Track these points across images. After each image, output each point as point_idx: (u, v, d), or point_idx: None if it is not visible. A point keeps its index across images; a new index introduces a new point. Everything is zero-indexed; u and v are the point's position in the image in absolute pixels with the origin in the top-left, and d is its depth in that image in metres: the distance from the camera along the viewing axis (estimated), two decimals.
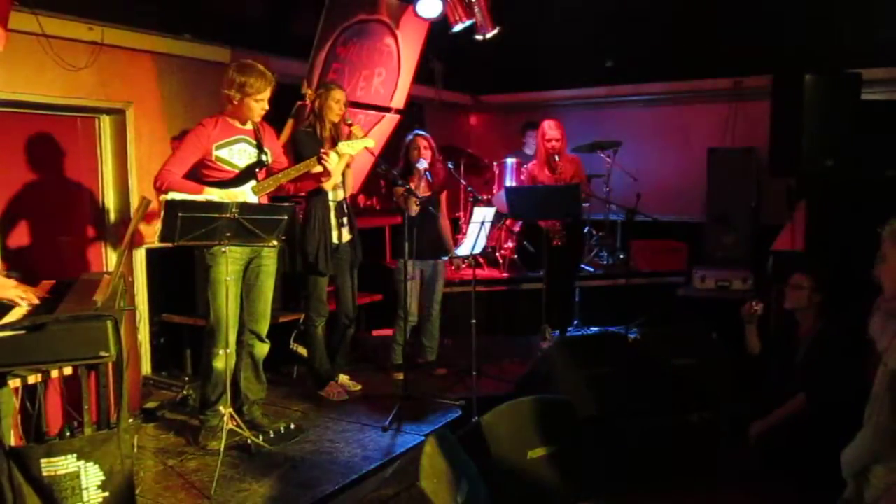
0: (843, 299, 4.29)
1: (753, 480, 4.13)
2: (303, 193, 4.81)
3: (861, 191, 5.17)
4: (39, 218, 4.78)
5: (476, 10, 6.05)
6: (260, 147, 4.20)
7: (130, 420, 3.99)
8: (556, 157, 5.95)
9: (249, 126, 4.18)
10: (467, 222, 4.75)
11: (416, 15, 5.84)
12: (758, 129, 6.41)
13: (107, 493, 2.87)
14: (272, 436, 4.20)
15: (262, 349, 4.37)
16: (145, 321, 5.26)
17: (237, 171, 4.12)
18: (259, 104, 4.07)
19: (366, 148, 4.63)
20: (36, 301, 3.06)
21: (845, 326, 4.16)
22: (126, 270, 4.85)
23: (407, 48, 6.18)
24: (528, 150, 7.53)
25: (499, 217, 6.76)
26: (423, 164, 5.23)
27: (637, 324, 6.40)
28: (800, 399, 4.20)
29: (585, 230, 7.35)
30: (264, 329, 4.34)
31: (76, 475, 2.81)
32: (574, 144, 6.74)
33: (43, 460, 2.78)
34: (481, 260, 7.18)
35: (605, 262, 7.57)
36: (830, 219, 5.28)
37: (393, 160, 5.49)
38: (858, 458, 3.29)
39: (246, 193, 4.11)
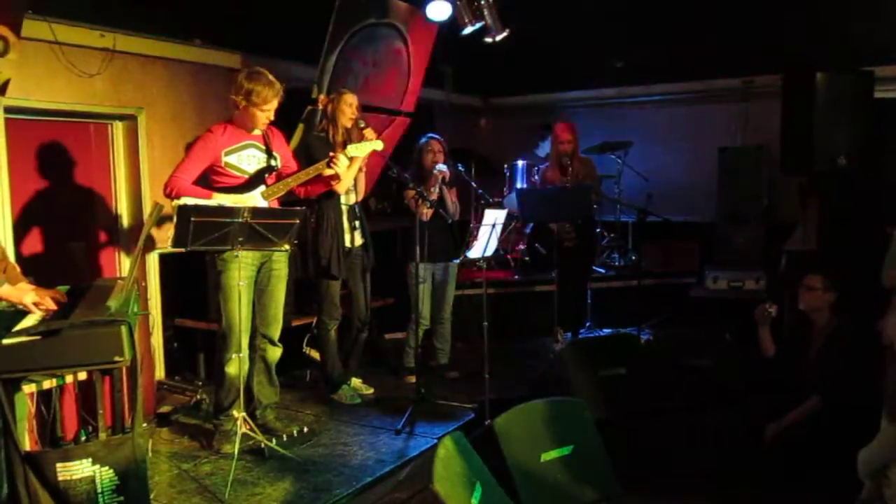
0: (857, 298, 4.26)
1: (769, 481, 4.11)
2: (314, 197, 4.82)
3: (874, 189, 5.15)
4: (53, 224, 4.81)
5: (485, 12, 6.05)
6: (269, 152, 4.22)
7: (145, 424, 4.01)
8: (568, 160, 5.94)
9: (258, 131, 4.20)
10: (478, 225, 4.74)
11: (426, 18, 5.84)
12: (769, 127, 6.38)
13: (122, 498, 2.88)
14: (285, 439, 4.21)
15: (275, 353, 4.38)
16: (159, 326, 5.27)
17: (247, 176, 4.13)
18: (264, 114, 4.07)
19: (374, 150, 4.63)
20: (53, 307, 3.09)
21: (859, 326, 4.14)
22: (139, 275, 4.88)
23: (417, 51, 6.18)
24: (540, 153, 7.52)
25: (510, 219, 6.75)
26: (443, 168, 5.23)
27: (650, 325, 6.38)
28: (815, 400, 4.18)
29: (597, 231, 7.34)
30: (276, 333, 4.35)
31: (91, 479, 2.83)
32: (584, 145, 6.73)
33: (58, 465, 2.79)
34: (493, 262, 7.18)
35: (616, 264, 7.55)
36: (843, 217, 5.25)
37: (403, 163, 5.49)
38: (878, 457, 3.27)
39: (255, 198, 4.12)
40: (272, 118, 4.14)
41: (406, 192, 5.16)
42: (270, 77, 4.03)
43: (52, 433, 3.39)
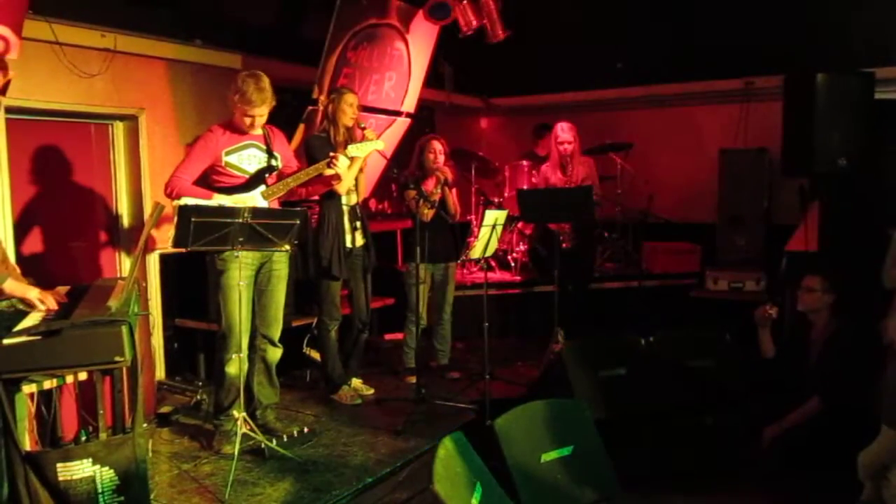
0: (857, 300, 4.27)
1: (769, 482, 4.11)
2: (315, 197, 4.82)
3: (874, 191, 5.15)
4: (53, 224, 4.81)
5: (486, 13, 6.06)
6: (270, 152, 4.22)
7: (145, 425, 4.01)
8: (569, 160, 5.94)
9: (259, 131, 4.20)
10: (478, 225, 4.74)
11: (427, 19, 5.84)
12: (770, 129, 6.38)
13: (122, 498, 2.88)
14: (286, 440, 4.21)
15: (275, 354, 4.38)
16: (159, 326, 5.28)
17: (247, 176, 4.13)
18: (248, 118, 4.03)
19: (376, 150, 4.63)
20: (55, 306, 3.09)
21: (859, 327, 4.14)
22: (140, 276, 4.88)
23: (417, 52, 6.19)
24: (540, 152, 7.52)
25: (511, 220, 6.75)
26: (444, 168, 5.23)
27: (650, 325, 6.37)
28: (814, 402, 4.18)
29: (598, 232, 7.33)
30: (276, 333, 4.35)
31: (91, 479, 2.83)
32: (585, 147, 6.73)
33: (59, 465, 2.79)
34: (493, 263, 7.18)
35: (617, 264, 7.54)
36: (844, 219, 5.26)
37: (404, 164, 5.50)
38: (878, 459, 3.28)
39: (255, 198, 4.12)
40: (257, 124, 4.10)
41: (407, 192, 5.16)
42: (263, 84, 3.98)
43: (52, 433, 3.39)
